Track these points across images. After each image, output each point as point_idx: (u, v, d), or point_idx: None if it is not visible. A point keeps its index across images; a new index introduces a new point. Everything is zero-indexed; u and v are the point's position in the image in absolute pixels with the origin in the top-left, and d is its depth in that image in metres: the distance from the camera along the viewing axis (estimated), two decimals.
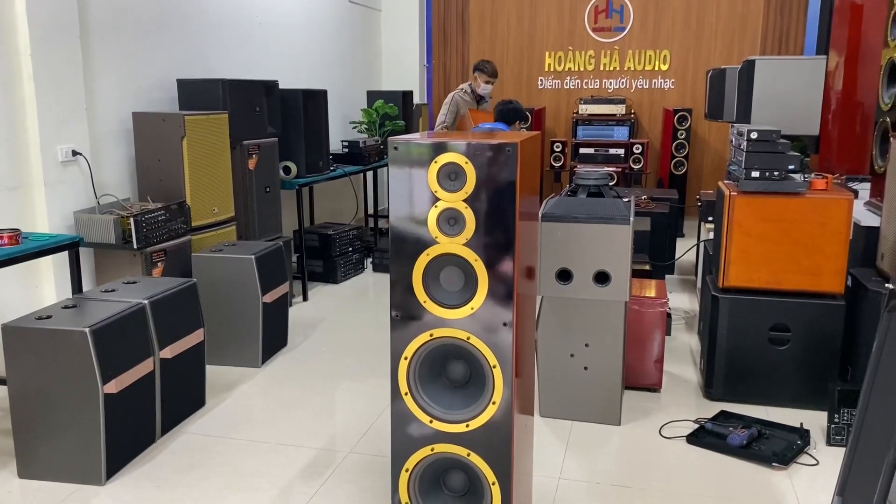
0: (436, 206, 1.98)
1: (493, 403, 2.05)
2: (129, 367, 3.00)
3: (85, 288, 3.77)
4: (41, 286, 3.89)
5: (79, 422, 2.86)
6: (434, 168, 1.95)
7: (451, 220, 1.98)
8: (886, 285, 1.40)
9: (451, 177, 1.95)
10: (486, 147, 1.93)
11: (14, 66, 3.69)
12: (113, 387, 2.89)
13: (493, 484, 2.08)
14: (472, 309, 2.01)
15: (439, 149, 1.95)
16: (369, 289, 5.81)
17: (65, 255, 3.65)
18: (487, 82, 6.13)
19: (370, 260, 6.43)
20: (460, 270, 2.01)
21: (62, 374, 2.84)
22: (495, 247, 1.97)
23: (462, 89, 6.16)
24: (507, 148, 1.92)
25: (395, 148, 1.98)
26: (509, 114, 5.41)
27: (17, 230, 3.21)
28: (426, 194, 1.98)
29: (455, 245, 1.99)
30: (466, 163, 1.93)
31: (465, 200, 1.96)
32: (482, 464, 2.08)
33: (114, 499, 2.81)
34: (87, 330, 2.80)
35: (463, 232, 1.97)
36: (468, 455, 2.08)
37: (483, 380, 2.06)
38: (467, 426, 2.07)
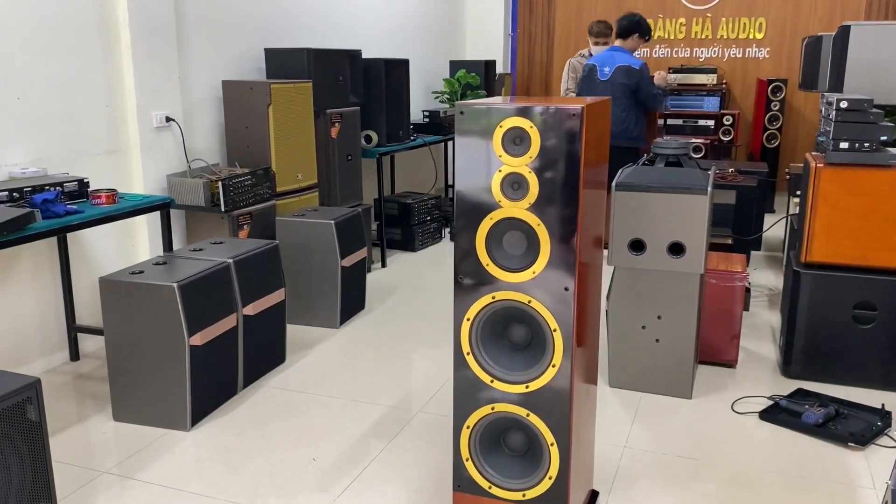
0: (500, 171, 2.00)
1: (553, 366, 2.08)
2: (214, 321, 3.17)
3: (175, 247, 3.98)
4: (136, 244, 4.13)
5: (167, 371, 3.06)
6: (499, 132, 1.98)
7: (514, 185, 2.00)
8: None
9: (515, 141, 1.98)
10: (551, 112, 1.94)
11: (114, 36, 3.90)
12: (198, 339, 3.06)
13: (552, 445, 2.12)
14: (533, 273, 2.04)
15: (504, 113, 1.97)
16: (446, 258, 5.88)
17: (157, 215, 3.86)
18: (596, 44, 5.97)
19: (448, 230, 6.50)
20: (523, 235, 2.04)
21: (152, 326, 3.03)
22: (558, 212, 1.98)
23: (581, 54, 6.10)
24: (573, 112, 1.92)
25: (461, 112, 2.02)
26: (626, 27, 4.98)
27: (114, 191, 3.42)
28: (491, 159, 2.01)
29: (518, 209, 2.01)
30: (531, 127, 1.95)
31: (528, 165, 1.98)
32: (541, 424, 2.12)
33: (197, 444, 3.00)
34: (175, 285, 2.98)
35: (526, 196, 2.00)
36: (527, 416, 2.13)
37: (543, 343, 2.09)
38: (527, 387, 2.11)
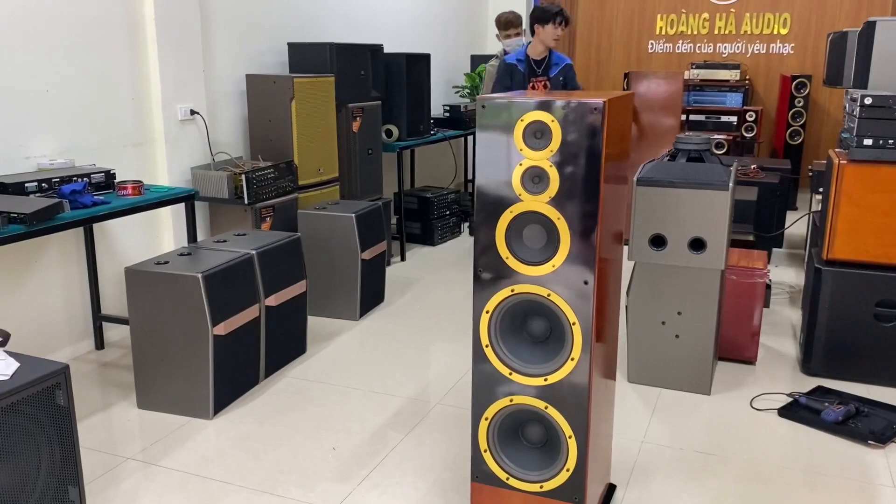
0: (520, 164, 2.02)
1: (572, 360, 2.09)
2: (237, 311, 3.21)
3: (199, 239, 4.04)
4: (161, 235, 4.19)
5: (190, 360, 3.11)
6: (520, 126, 1.99)
7: (535, 179, 2.02)
8: None
9: (536, 135, 1.99)
10: (573, 105, 1.95)
11: (140, 30, 3.95)
12: (221, 329, 3.11)
13: (570, 437, 2.14)
14: (553, 267, 2.06)
15: (525, 107, 1.99)
16: (465, 252, 5.91)
17: (182, 207, 3.92)
18: (507, 36, 5.58)
19: (467, 224, 6.52)
20: (543, 228, 2.05)
21: (176, 315, 3.08)
22: (579, 205, 2.00)
23: (497, 56, 5.35)
24: (594, 106, 1.93)
25: (483, 106, 2.03)
26: (533, 19, 4.58)
27: (140, 182, 3.48)
28: (512, 152, 2.02)
29: (538, 203, 2.03)
30: (552, 121, 1.97)
31: (549, 159, 1.99)
32: (559, 417, 2.13)
33: (219, 432, 3.05)
34: (199, 275, 3.03)
35: (547, 190, 2.01)
36: (545, 408, 2.14)
37: (562, 336, 2.11)
38: (546, 380, 2.13)
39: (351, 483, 2.68)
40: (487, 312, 2.15)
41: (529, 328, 2.17)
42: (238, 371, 3.31)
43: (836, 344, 3.48)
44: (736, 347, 3.71)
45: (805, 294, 3.99)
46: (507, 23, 5.73)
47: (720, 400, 3.35)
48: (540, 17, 4.60)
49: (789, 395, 3.33)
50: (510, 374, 2.16)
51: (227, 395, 3.25)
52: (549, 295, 2.07)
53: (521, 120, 1.99)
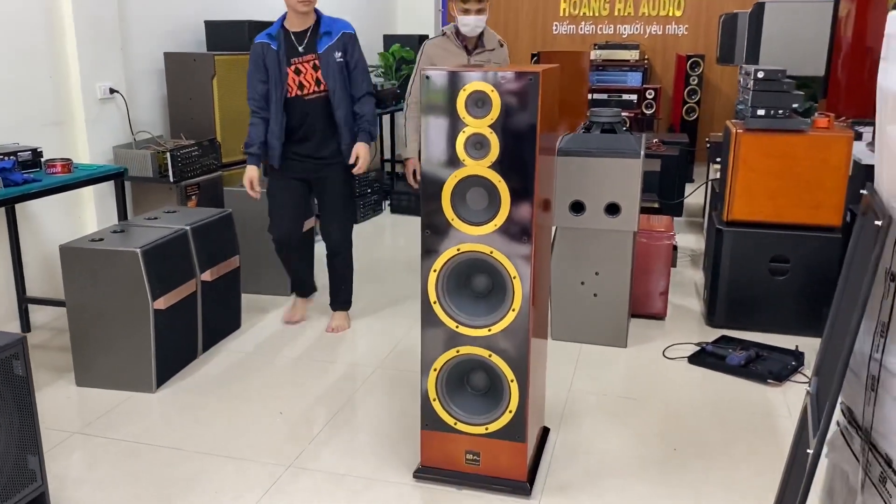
0: (463, 132, 2.19)
1: (513, 311, 2.29)
2: (175, 286, 3.26)
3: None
4: (84, 216, 4.13)
5: (131, 335, 3.13)
6: (462, 95, 2.16)
7: (477, 145, 2.19)
8: (862, 190, 1.60)
9: (478, 104, 2.16)
10: (511, 76, 2.14)
11: (55, 8, 3.87)
12: (161, 303, 3.15)
13: (512, 381, 2.34)
14: (495, 226, 2.24)
15: (467, 78, 2.16)
16: (387, 229, 6.04)
17: (104, 187, 3.89)
18: (466, 12, 3.76)
19: (388, 202, 6.65)
20: (485, 191, 2.23)
21: (115, 291, 3.10)
22: (518, 168, 2.19)
23: (443, 32, 3.99)
24: (530, 77, 2.12)
25: (427, 77, 2.19)
26: None
27: (69, 160, 3.45)
28: (455, 120, 2.19)
29: (481, 167, 2.21)
30: (492, 91, 2.14)
31: (490, 126, 2.17)
32: (502, 363, 2.33)
33: (164, 403, 3.10)
34: (138, 250, 3.05)
35: (488, 155, 2.19)
36: (489, 356, 2.34)
37: (504, 290, 2.30)
38: (489, 330, 2.32)
39: (301, 443, 2.80)
40: (435, 271, 2.32)
41: (473, 284, 2.35)
42: (178, 345, 3.35)
43: (736, 297, 3.84)
44: (647, 304, 4.02)
45: (707, 254, 4.35)
46: None
47: (636, 351, 3.64)
48: None
49: (697, 344, 3.65)
50: (457, 326, 2.34)
51: (169, 369, 3.30)
52: (491, 252, 2.26)
53: (464, 90, 2.15)
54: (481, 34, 3.96)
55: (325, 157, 3.64)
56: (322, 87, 3.51)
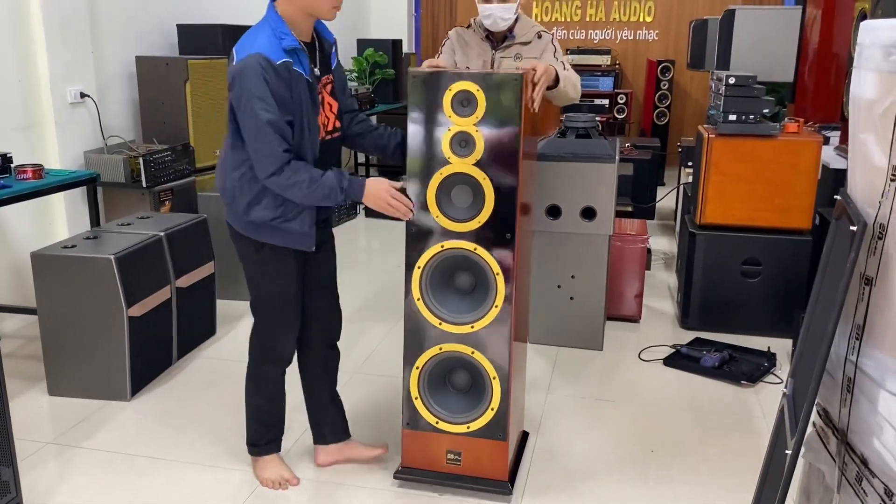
0: (449, 130, 2.21)
1: (496, 307, 2.30)
2: (150, 293, 3.22)
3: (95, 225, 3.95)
4: (54, 222, 4.07)
5: (105, 343, 3.09)
6: (448, 95, 2.19)
7: (462, 143, 2.21)
8: (835, 196, 1.65)
9: (463, 103, 2.19)
10: (496, 77, 2.20)
11: (24, 9, 3.81)
12: (136, 310, 3.11)
13: (494, 378, 2.35)
14: (479, 223, 2.26)
15: (453, 78, 2.19)
16: (361, 233, 6.03)
17: (74, 193, 3.83)
18: (487, 0, 3.08)
19: (362, 206, 6.63)
20: (469, 188, 2.26)
21: (89, 299, 3.05)
22: (502, 165, 2.21)
23: (469, 24, 3.33)
24: (515, 77, 2.16)
25: (414, 78, 2.21)
26: None
27: (40, 165, 3.39)
28: (441, 119, 2.21)
29: (466, 165, 2.23)
30: (478, 90, 2.17)
31: (475, 124, 2.19)
32: (484, 360, 2.35)
33: (140, 411, 3.06)
34: (112, 257, 3.02)
35: (473, 153, 2.22)
36: (472, 353, 2.35)
37: (487, 286, 2.31)
38: (472, 327, 2.33)
39: (285, 445, 2.77)
40: (419, 268, 2.33)
41: (457, 282, 2.37)
42: (153, 352, 3.31)
43: (709, 299, 3.89)
44: (622, 307, 4.05)
45: (680, 257, 4.41)
46: None
47: (612, 354, 3.68)
48: None
49: (671, 346, 3.70)
50: (440, 324, 2.35)
51: (144, 377, 3.25)
52: (475, 249, 2.28)
53: (450, 89, 2.18)
54: (514, 24, 3.20)
55: (329, 218, 2.57)
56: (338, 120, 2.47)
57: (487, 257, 2.27)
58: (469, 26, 3.31)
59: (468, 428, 2.40)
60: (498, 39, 3.25)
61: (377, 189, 2.29)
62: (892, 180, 1.47)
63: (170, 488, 2.54)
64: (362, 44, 7.27)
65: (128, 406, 3.10)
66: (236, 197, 2.30)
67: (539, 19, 8.74)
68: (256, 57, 2.12)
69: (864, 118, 1.61)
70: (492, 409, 2.37)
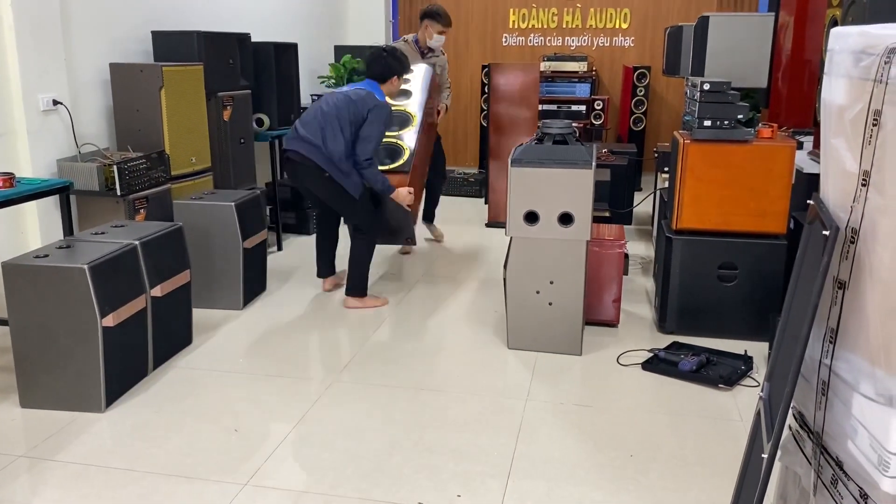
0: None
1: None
2: (124, 302, 3.18)
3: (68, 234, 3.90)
4: (26, 231, 4.01)
5: (79, 353, 3.04)
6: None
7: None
8: (808, 200, 1.66)
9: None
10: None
11: None
12: (110, 320, 3.07)
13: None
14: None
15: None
16: (339, 239, 6.00)
17: (47, 202, 3.78)
18: (441, 33, 5.17)
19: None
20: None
21: (62, 309, 3.01)
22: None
23: (404, 40, 5.28)
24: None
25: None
26: (383, 70, 4.19)
27: (12, 174, 3.34)
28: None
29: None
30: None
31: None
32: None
33: (114, 423, 3.01)
34: (85, 267, 2.97)
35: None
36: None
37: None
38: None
39: (257, 460, 2.75)
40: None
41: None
42: (127, 363, 3.27)
43: (686, 304, 3.91)
44: (600, 312, 4.07)
45: (657, 262, 4.43)
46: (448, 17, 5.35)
47: (591, 359, 3.69)
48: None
49: (650, 351, 3.71)
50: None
51: (118, 388, 3.21)
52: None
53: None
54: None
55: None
56: None
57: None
58: (406, 41, 5.35)
59: None
60: (425, 51, 5.30)
61: (401, 189, 4.27)
62: (863, 185, 1.49)
63: (145, 501, 2.50)
64: (340, 50, 7.24)
65: (102, 417, 3.06)
66: (349, 171, 4.18)
67: (516, 27, 8.80)
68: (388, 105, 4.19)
69: (835, 123, 1.62)
70: None
